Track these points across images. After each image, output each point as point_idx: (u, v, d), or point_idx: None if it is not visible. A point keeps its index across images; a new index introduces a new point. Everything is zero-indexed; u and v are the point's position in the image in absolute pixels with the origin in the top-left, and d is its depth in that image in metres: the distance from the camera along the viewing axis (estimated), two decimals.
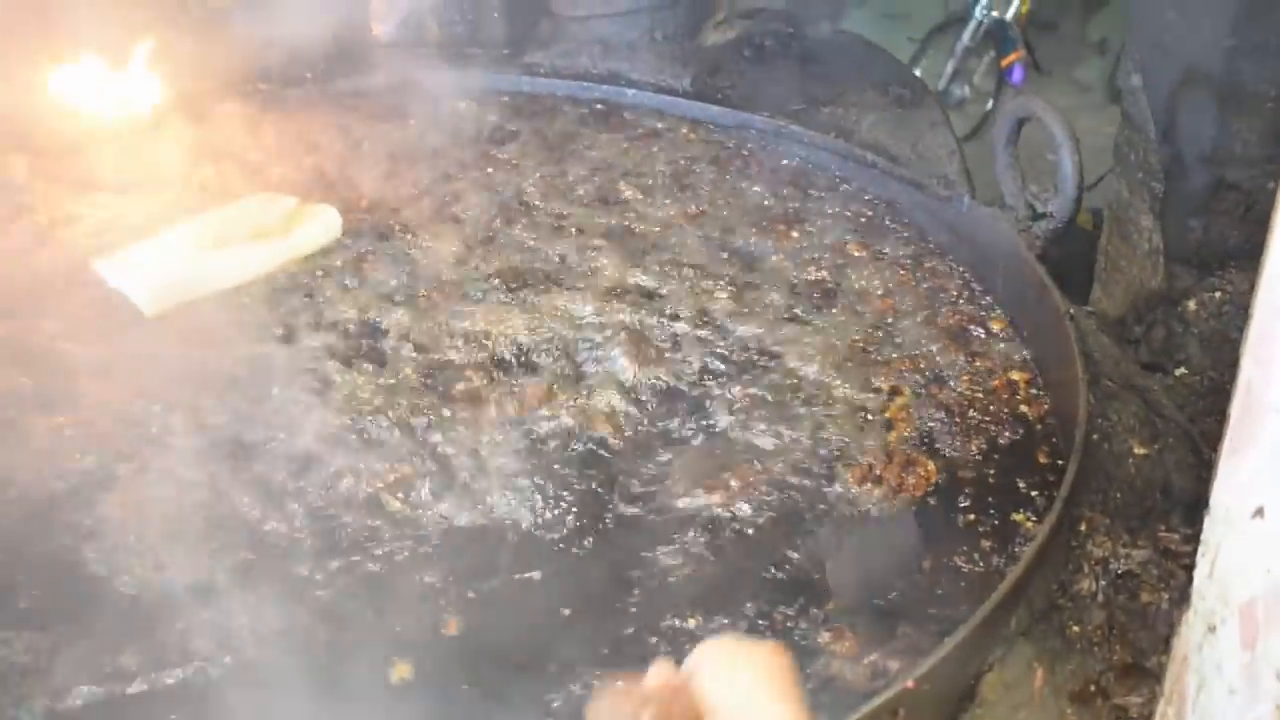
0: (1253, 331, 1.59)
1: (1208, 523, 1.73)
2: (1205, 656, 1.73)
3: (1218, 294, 2.94)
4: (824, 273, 2.85)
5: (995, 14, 7.82)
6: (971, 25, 7.84)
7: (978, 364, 2.58)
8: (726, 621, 1.99)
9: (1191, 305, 2.96)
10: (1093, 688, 1.95)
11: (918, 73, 7.83)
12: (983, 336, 2.65)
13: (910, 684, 1.75)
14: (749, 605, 2.02)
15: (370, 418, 2.42)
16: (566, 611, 2.03)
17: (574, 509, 2.23)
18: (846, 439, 2.37)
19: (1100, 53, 8.48)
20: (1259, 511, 1.61)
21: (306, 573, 2.11)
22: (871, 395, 2.49)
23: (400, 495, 2.27)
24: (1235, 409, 1.64)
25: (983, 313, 2.72)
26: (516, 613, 2.04)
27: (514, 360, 2.60)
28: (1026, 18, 8.06)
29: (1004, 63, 7.86)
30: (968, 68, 7.99)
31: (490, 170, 3.25)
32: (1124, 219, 3.29)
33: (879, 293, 2.77)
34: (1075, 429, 2.22)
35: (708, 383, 2.52)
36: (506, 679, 1.92)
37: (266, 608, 2.02)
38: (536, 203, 3.12)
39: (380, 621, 2.02)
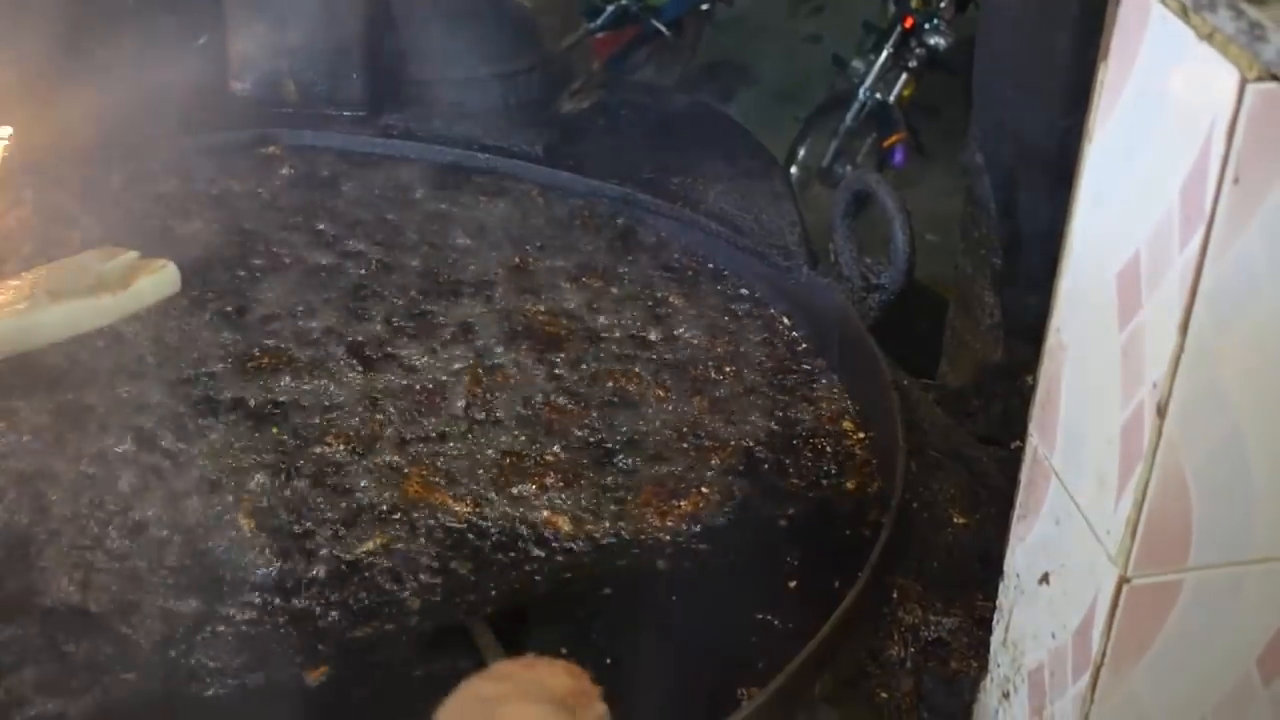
0: (1037, 399, 1.62)
1: (1001, 589, 1.75)
2: None
3: None
4: (649, 329, 2.89)
5: (879, 96, 7.95)
6: (855, 106, 7.96)
7: (806, 428, 2.61)
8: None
9: (1030, 380, 2.98)
10: None
11: (802, 152, 7.99)
12: (814, 403, 2.68)
13: None
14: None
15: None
16: None
17: None
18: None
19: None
20: (1044, 577, 1.63)
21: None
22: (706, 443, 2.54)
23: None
24: (1024, 476, 1.66)
25: (816, 379, 2.74)
26: None
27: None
28: (910, 100, 8.20)
29: (886, 144, 7.98)
30: (851, 148, 8.10)
31: (333, 224, 3.24)
32: (968, 294, 3.34)
33: (710, 360, 2.79)
34: (890, 494, 2.25)
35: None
36: None
37: None
38: (369, 250, 3.14)
39: None
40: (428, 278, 3.03)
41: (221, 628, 2.12)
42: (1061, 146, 2.95)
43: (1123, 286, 1.41)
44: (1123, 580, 1.45)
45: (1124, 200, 1.42)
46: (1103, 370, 1.45)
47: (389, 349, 2.78)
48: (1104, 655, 1.50)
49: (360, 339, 2.80)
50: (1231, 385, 1.35)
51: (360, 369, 2.71)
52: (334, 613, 2.16)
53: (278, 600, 2.17)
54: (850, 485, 2.47)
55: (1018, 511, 1.69)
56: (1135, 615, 1.47)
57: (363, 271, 3.04)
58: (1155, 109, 1.35)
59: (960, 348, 3.42)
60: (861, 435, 2.59)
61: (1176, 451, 1.38)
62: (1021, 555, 1.70)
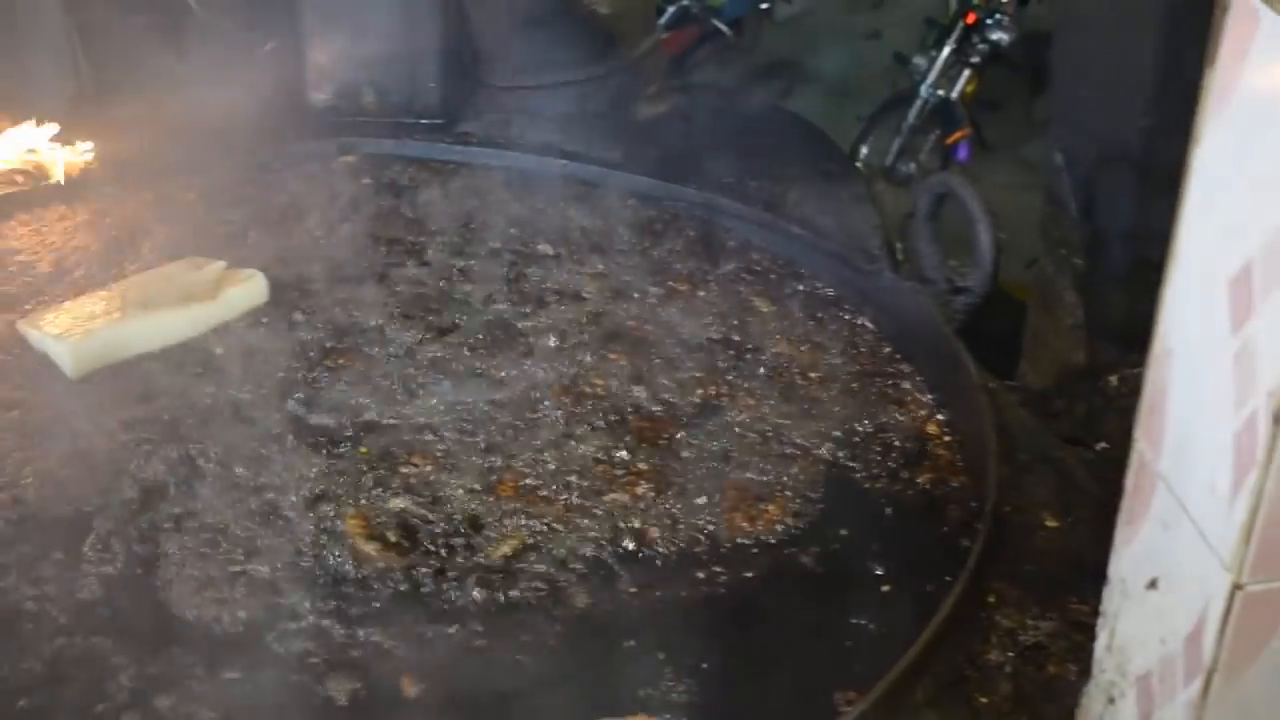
0: (1143, 405, 1.61)
1: (1106, 594, 1.74)
2: None
3: (1138, 370, 2.95)
4: (734, 334, 2.91)
5: (941, 93, 7.93)
6: (918, 104, 7.95)
7: (895, 432, 2.61)
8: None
9: (1113, 380, 2.98)
10: None
11: (864, 150, 7.98)
12: (900, 406, 2.68)
13: None
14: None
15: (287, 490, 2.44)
16: None
17: None
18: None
19: (1045, 132, 8.60)
20: (1152, 583, 1.62)
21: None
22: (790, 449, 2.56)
23: None
24: (1129, 481, 1.66)
25: (901, 383, 2.74)
26: None
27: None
28: (972, 97, 8.18)
29: (949, 141, 7.96)
30: (914, 145, 8.09)
31: (413, 233, 3.27)
32: (1048, 295, 3.33)
33: (795, 365, 2.80)
34: (985, 501, 2.25)
35: None
36: None
37: None
38: (452, 259, 3.17)
39: None
40: (511, 286, 3.06)
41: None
42: (1145, 146, 2.95)
43: (1235, 293, 1.41)
44: (1236, 587, 1.44)
45: (1235, 205, 1.42)
46: (1213, 377, 1.45)
47: (475, 361, 2.80)
48: (1216, 662, 1.49)
49: (444, 353, 2.83)
50: None
51: (446, 382, 2.73)
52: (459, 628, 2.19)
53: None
54: (939, 488, 2.48)
55: (1123, 516, 1.69)
56: (1248, 622, 1.47)
57: (444, 282, 3.07)
58: (1267, 114, 1.35)
59: (1041, 348, 3.41)
60: (948, 438, 2.59)
61: None
62: (1127, 560, 1.69)
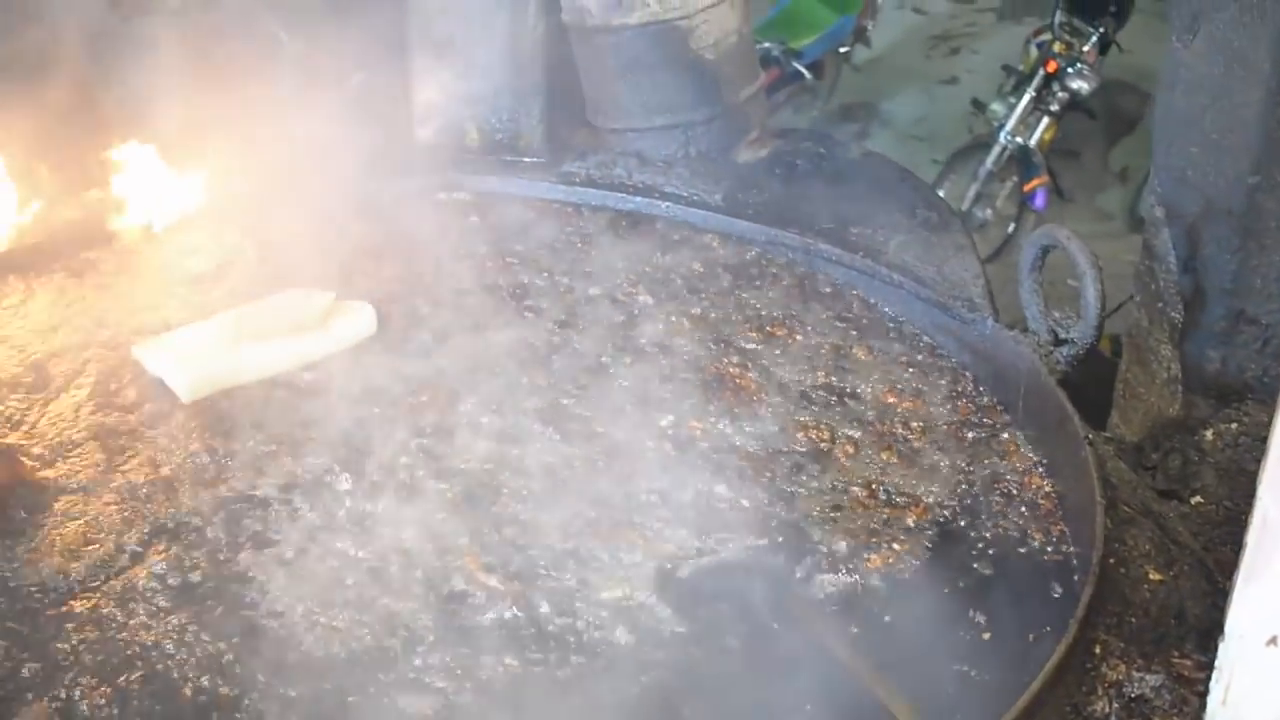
0: (1269, 464, 1.64)
1: (1222, 649, 1.76)
2: None
3: (1234, 425, 2.98)
4: (833, 378, 2.95)
5: (1019, 140, 7.93)
6: (996, 150, 7.95)
7: (998, 483, 2.64)
8: None
9: (1209, 435, 3.00)
10: None
11: (941, 194, 7.97)
12: (1002, 457, 2.71)
13: None
14: None
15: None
16: None
17: None
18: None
19: (1122, 181, 8.60)
20: (1273, 640, 1.65)
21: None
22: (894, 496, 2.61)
23: None
24: (1251, 538, 1.68)
25: (1001, 434, 2.77)
26: None
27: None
28: (1050, 144, 8.17)
29: (1027, 188, 7.96)
30: (990, 191, 8.09)
31: (519, 273, 3.33)
32: (1143, 347, 3.34)
33: (898, 413, 2.84)
34: (1092, 552, 2.27)
35: None
36: None
37: None
38: (557, 300, 3.24)
39: None
40: (614, 331, 3.11)
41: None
42: (1249, 202, 2.98)
43: None
44: None
45: None
46: None
47: (577, 408, 2.85)
48: None
49: (545, 399, 2.87)
50: None
51: (549, 429, 2.77)
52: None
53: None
54: (1040, 539, 2.50)
55: (1243, 574, 1.72)
56: None
57: (548, 325, 3.13)
58: None
59: (1133, 400, 3.42)
60: (1050, 489, 2.62)
61: None
62: (1246, 617, 1.72)
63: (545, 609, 2.31)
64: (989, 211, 8.05)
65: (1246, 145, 2.91)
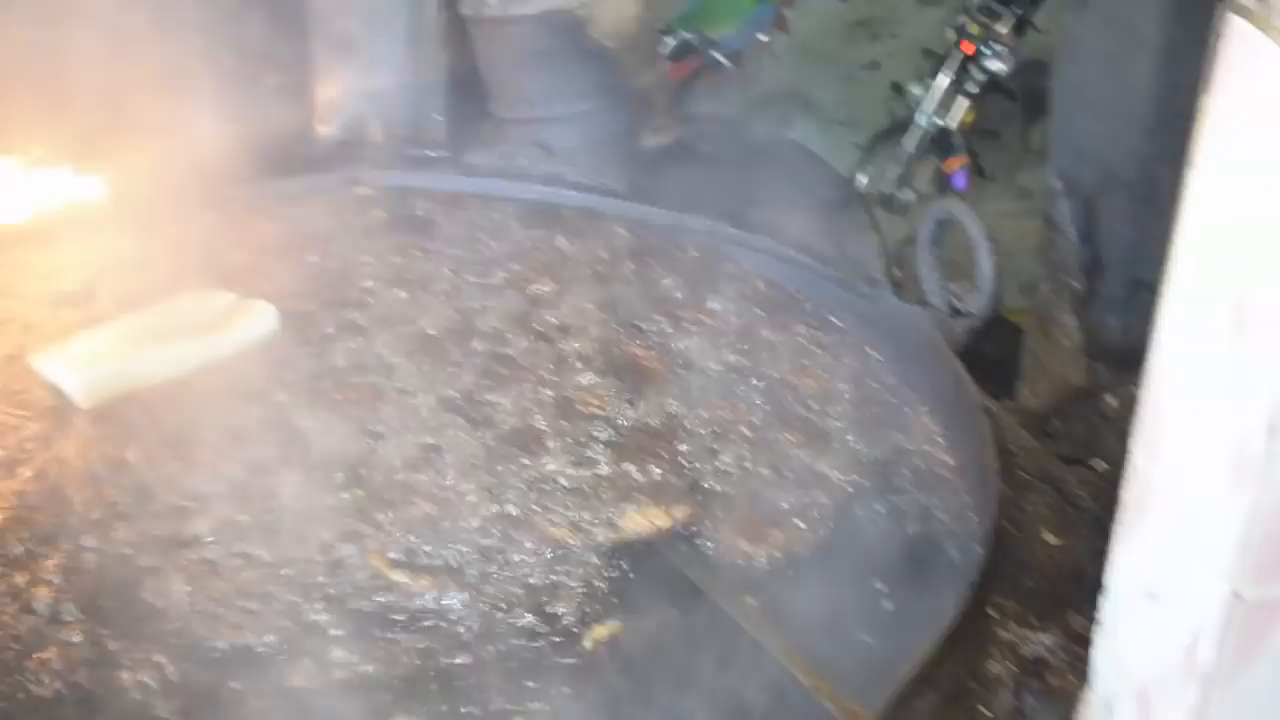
0: (1141, 417, 1.65)
1: (1104, 605, 1.78)
2: None
3: (1135, 390, 3.01)
4: (739, 358, 2.95)
5: (939, 121, 7.98)
6: (915, 132, 7.99)
7: (901, 456, 2.66)
8: None
9: (1111, 400, 3.04)
10: None
11: (864, 179, 8.04)
12: (904, 431, 2.72)
13: None
14: None
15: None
16: None
17: None
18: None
19: (1041, 159, 8.65)
20: (1151, 594, 1.66)
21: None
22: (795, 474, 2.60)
23: None
24: (1128, 492, 1.70)
25: (904, 408, 2.79)
26: None
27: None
28: (970, 126, 8.22)
29: (947, 168, 8.01)
30: (912, 174, 8.13)
31: (424, 265, 3.32)
32: (1047, 317, 3.38)
33: (801, 392, 2.85)
34: (988, 518, 2.29)
35: None
36: None
37: None
38: (462, 291, 3.22)
39: None
40: (520, 320, 3.10)
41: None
42: (1143, 172, 3.01)
43: (1233, 309, 1.45)
44: (1235, 597, 1.48)
45: (1231, 226, 1.47)
46: (1212, 390, 1.49)
47: (482, 395, 2.84)
48: (1215, 668, 1.53)
49: (453, 390, 2.85)
50: None
51: (458, 418, 2.76)
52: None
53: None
54: (942, 510, 2.52)
55: (1121, 527, 1.73)
56: (1248, 631, 1.51)
57: (454, 315, 3.11)
58: (1261, 140, 1.39)
59: (1039, 370, 3.46)
60: (952, 460, 2.64)
61: None
62: (1125, 571, 1.73)
63: (457, 601, 2.30)
64: (911, 193, 8.09)
65: (1140, 116, 2.94)
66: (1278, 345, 1.37)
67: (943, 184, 8.04)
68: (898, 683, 1.94)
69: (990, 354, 3.28)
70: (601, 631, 2.23)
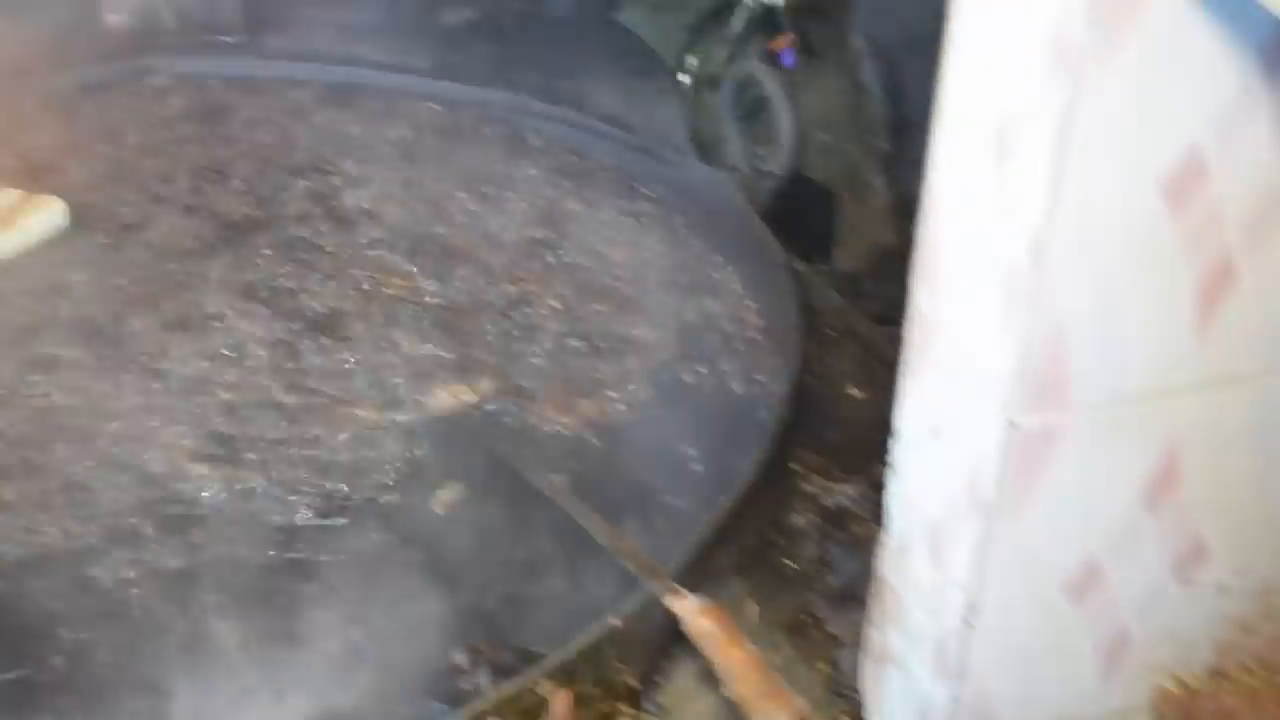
0: (919, 257, 1.64)
1: (894, 447, 1.78)
2: (901, 577, 1.78)
3: None
4: (546, 231, 2.91)
5: (765, 0, 7.92)
6: (742, 12, 7.93)
7: (711, 321, 2.65)
8: None
9: None
10: (806, 618, 2.01)
11: (693, 60, 7.95)
12: (713, 295, 2.72)
13: (617, 621, 1.77)
14: None
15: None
16: None
17: None
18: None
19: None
20: (935, 430, 1.66)
21: None
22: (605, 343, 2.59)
23: None
24: (911, 333, 1.69)
25: (713, 273, 2.78)
26: None
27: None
28: (796, 4, 8.18)
29: (774, 47, 7.97)
30: (740, 53, 8.07)
31: (222, 155, 3.22)
32: (857, 180, 3.37)
33: (613, 262, 2.82)
34: (790, 375, 2.30)
35: None
36: None
37: None
38: (264, 178, 3.14)
39: None
40: (322, 203, 3.02)
41: None
42: (943, 29, 2.99)
43: (997, 141, 1.44)
44: (1010, 425, 1.49)
45: (994, 53, 1.45)
46: (980, 224, 1.48)
47: (285, 281, 2.77)
48: (996, 499, 1.54)
49: (254, 278, 2.78)
50: (1101, 229, 1.39)
51: (259, 307, 2.70)
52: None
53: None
54: (751, 370, 2.52)
55: (905, 369, 1.73)
56: (1024, 458, 1.52)
57: (254, 204, 3.03)
58: None
59: (853, 233, 3.46)
60: (760, 322, 2.64)
61: (1054, 297, 1.42)
62: (911, 412, 1.73)
63: (260, 486, 2.25)
64: (741, 73, 8.03)
65: None
66: (1036, 172, 1.36)
67: (770, 63, 7.99)
68: (695, 537, 1.93)
69: (806, 220, 3.29)
70: (444, 496, 2.22)
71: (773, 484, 2.13)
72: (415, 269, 2.77)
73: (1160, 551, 1.66)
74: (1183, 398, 1.53)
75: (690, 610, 1.80)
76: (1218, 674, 1.80)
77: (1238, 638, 1.79)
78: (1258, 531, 1.70)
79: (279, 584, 2.04)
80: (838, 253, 3.57)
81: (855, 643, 1.96)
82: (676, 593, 1.83)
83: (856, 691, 1.96)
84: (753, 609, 1.95)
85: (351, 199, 3.03)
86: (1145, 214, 1.40)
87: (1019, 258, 1.42)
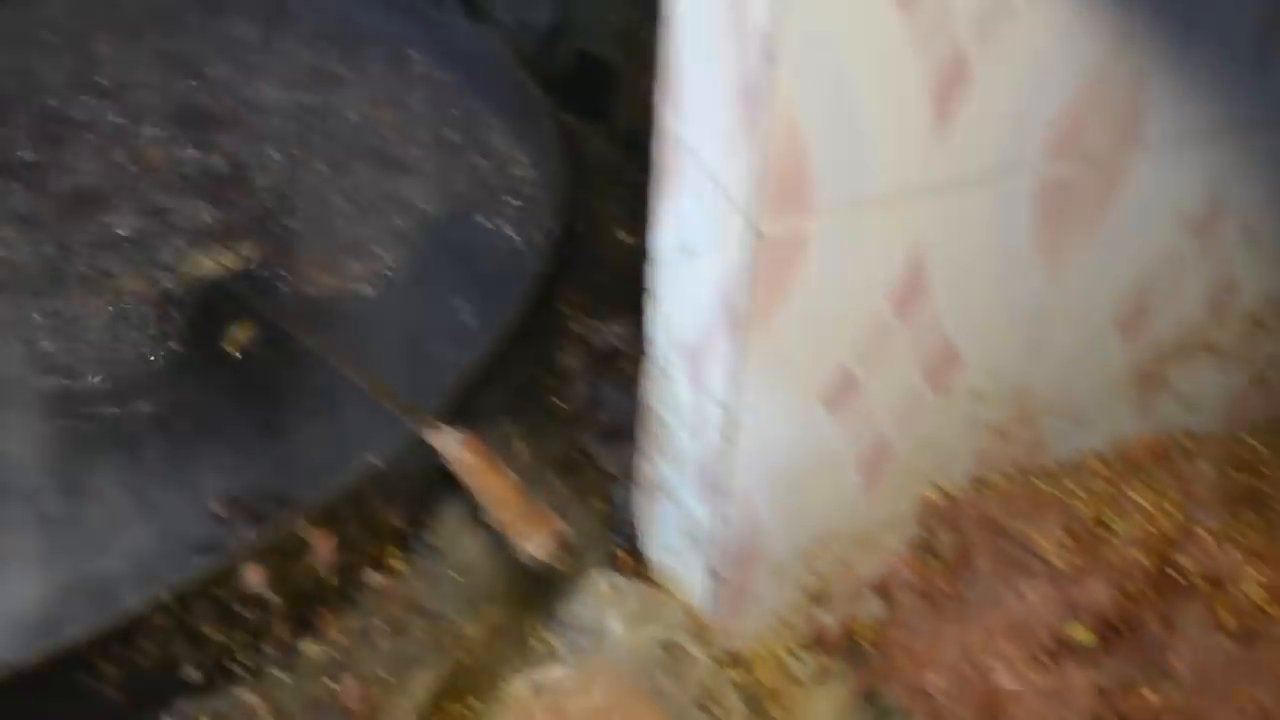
0: (661, 73, 1.63)
1: (650, 269, 1.78)
2: (664, 401, 1.80)
3: None
4: (311, 96, 2.85)
5: None
6: None
7: (481, 177, 2.62)
8: None
9: None
10: (578, 455, 2.01)
11: None
12: (485, 153, 2.68)
13: (378, 461, 1.75)
14: None
15: None
16: None
17: None
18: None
19: None
20: (688, 250, 1.66)
21: None
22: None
23: None
24: (659, 154, 1.68)
25: (481, 128, 2.74)
26: None
27: None
28: None
29: None
30: None
31: None
32: (633, 38, 3.35)
33: (381, 125, 2.77)
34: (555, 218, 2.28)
35: None
36: None
37: None
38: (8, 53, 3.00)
39: None
40: (78, 77, 2.90)
41: None
42: None
43: None
44: (755, 233, 1.49)
45: None
46: (714, 29, 1.47)
47: (42, 157, 2.66)
48: (748, 311, 1.54)
49: (8, 155, 2.67)
50: (835, 27, 1.38)
51: (13, 183, 2.59)
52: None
53: None
54: (521, 222, 2.50)
55: (657, 190, 1.72)
56: (772, 267, 1.52)
57: (10, 75, 2.91)
58: None
59: (630, 92, 3.44)
60: (530, 175, 2.62)
61: (791, 100, 1.41)
62: (664, 233, 1.73)
63: (19, 353, 2.18)
64: None
65: None
66: None
67: None
68: (458, 378, 1.91)
69: (584, 82, 3.26)
70: (206, 356, 2.17)
71: (540, 325, 2.12)
72: (175, 138, 2.68)
73: (912, 358, 1.69)
74: (924, 200, 1.55)
75: (448, 442, 1.79)
76: (978, 481, 1.85)
77: (996, 445, 1.84)
78: (1005, 335, 1.73)
79: (39, 453, 1.99)
80: (615, 113, 3.56)
81: (628, 478, 1.98)
82: (435, 427, 1.81)
83: (631, 525, 1.97)
84: (524, 449, 1.94)
85: (109, 72, 2.91)
86: (875, 10, 1.40)
87: (752, 64, 1.41)
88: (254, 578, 1.61)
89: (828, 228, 1.52)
